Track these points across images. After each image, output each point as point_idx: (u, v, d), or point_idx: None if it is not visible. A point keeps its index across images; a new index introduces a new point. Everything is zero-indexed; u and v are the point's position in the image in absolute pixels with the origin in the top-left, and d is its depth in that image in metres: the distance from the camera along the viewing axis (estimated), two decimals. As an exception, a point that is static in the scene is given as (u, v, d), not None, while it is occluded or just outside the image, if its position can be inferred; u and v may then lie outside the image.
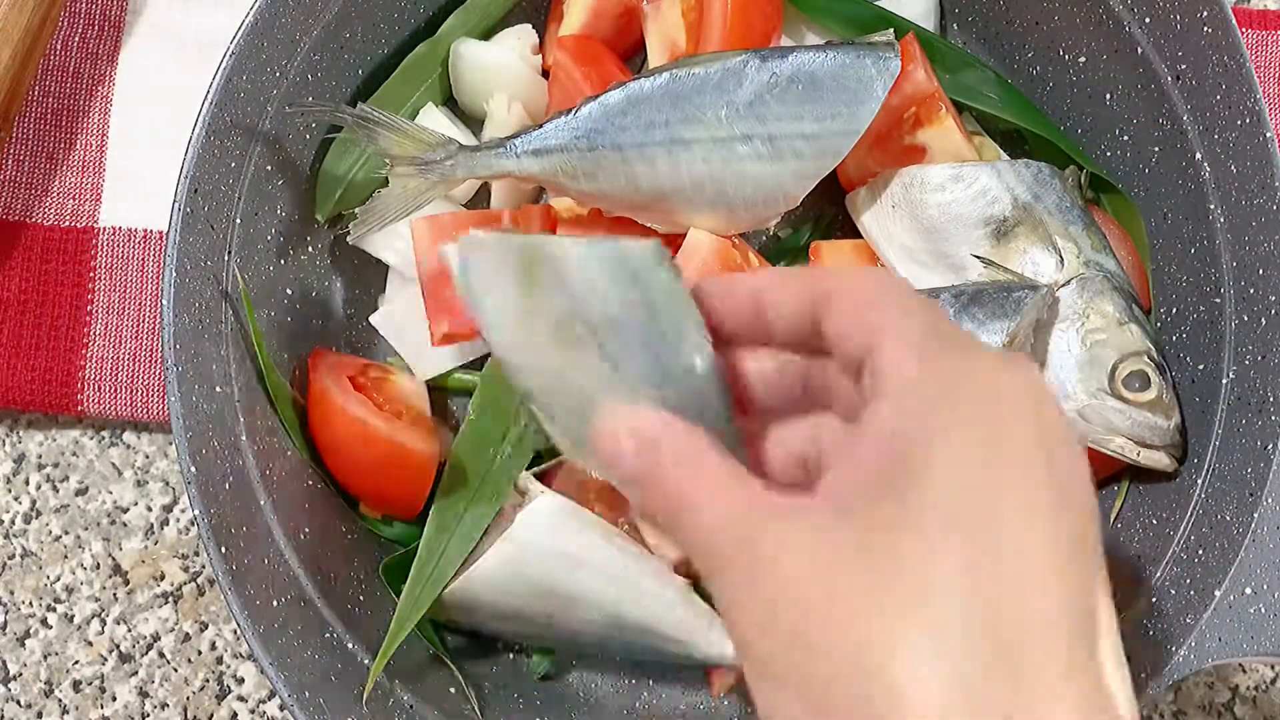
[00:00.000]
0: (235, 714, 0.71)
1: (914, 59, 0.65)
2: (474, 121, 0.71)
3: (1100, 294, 0.63)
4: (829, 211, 0.70)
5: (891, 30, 0.64)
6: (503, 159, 0.61)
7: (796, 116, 0.61)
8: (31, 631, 0.71)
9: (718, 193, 0.62)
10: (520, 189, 0.69)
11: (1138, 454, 0.62)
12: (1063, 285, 0.63)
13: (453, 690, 0.63)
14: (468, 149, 0.61)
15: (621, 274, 0.54)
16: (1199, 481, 0.61)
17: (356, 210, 0.62)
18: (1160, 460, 0.62)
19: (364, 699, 0.58)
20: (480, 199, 0.71)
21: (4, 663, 0.71)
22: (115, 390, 0.72)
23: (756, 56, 0.61)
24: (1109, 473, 0.66)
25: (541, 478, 0.65)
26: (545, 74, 0.70)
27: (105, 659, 0.71)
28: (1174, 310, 0.65)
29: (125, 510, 0.72)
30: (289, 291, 0.65)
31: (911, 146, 0.66)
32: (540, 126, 0.61)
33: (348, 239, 0.63)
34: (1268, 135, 0.58)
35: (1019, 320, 0.60)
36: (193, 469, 0.56)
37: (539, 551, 0.62)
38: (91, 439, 0.73)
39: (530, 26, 0.71)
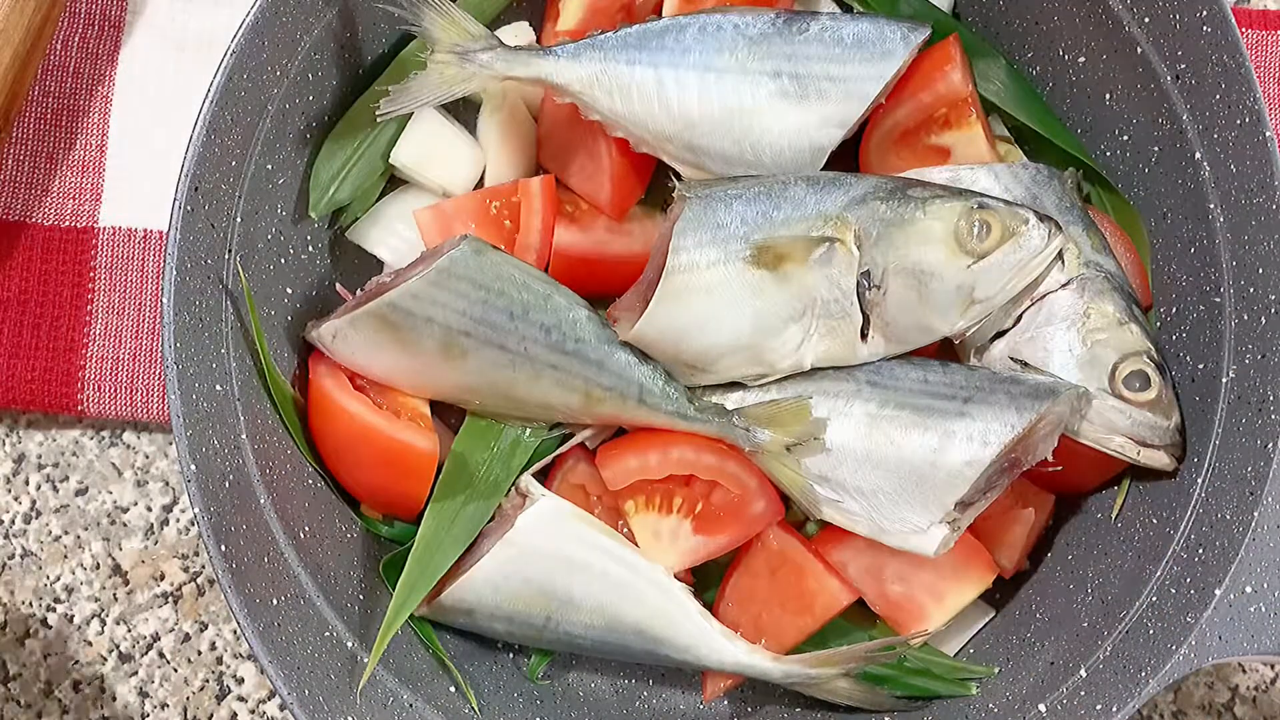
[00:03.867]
0: (235, 714, 0.71)
1: (953, 61, 0.66)
2: (470, 122, 0.71)
3: (1101, 294, 0.63)
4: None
5: (930, 25, 0.65)
6: (541, 60, 0.62)
7: (823, 59, 0.63)
8: (31, 631, 0.71)
9: (744, 130, 0.63)
10: (521, 160, 0.69)
11: (1138, 453, 0.62)
12: (1063, 285, 0.63)
13: (453, 690, 0.63)
14: (509, 46, 0.63)
15: (452, 280, 0.60)
16: (1199, 481, 0.61)
17: (390, 87, 0.62)
18: (1160, 459, 0.62)
19: (359, 689, 0.58)
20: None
21: (4, 663, 0.71)
22: (115, 390, 0.72)
23: (786, 13, 0.64)
24: (1109, 472, 0.66)
25: (542, 477, 0.65)
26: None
27: (105, 659, 0.71)
28: (1174, 310, 0.65)
29: (125, 510, 0.72)
30: (289, 291, 0.65)
31: (937, 147, 0.67)
32: (580, 40, 0.63)
33: (375, 116, 0.63)
34: (1268, 135, 0.58)
35: (1050, 404, 0.60)
36: (193, 468, 0.56)
37: (539, 554, 0.62)
38: (91, 439, 0.73)
39: (528, 24, 0.71)
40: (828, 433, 0.62)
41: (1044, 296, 0.64)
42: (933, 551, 0.62)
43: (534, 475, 0.64)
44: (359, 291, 0.65)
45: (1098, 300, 0.63)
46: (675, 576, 0.63)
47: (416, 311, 0.60)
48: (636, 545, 0.64)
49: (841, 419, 0.62)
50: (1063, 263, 0.64)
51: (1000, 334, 0.64)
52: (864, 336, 0.62)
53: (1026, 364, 0.63)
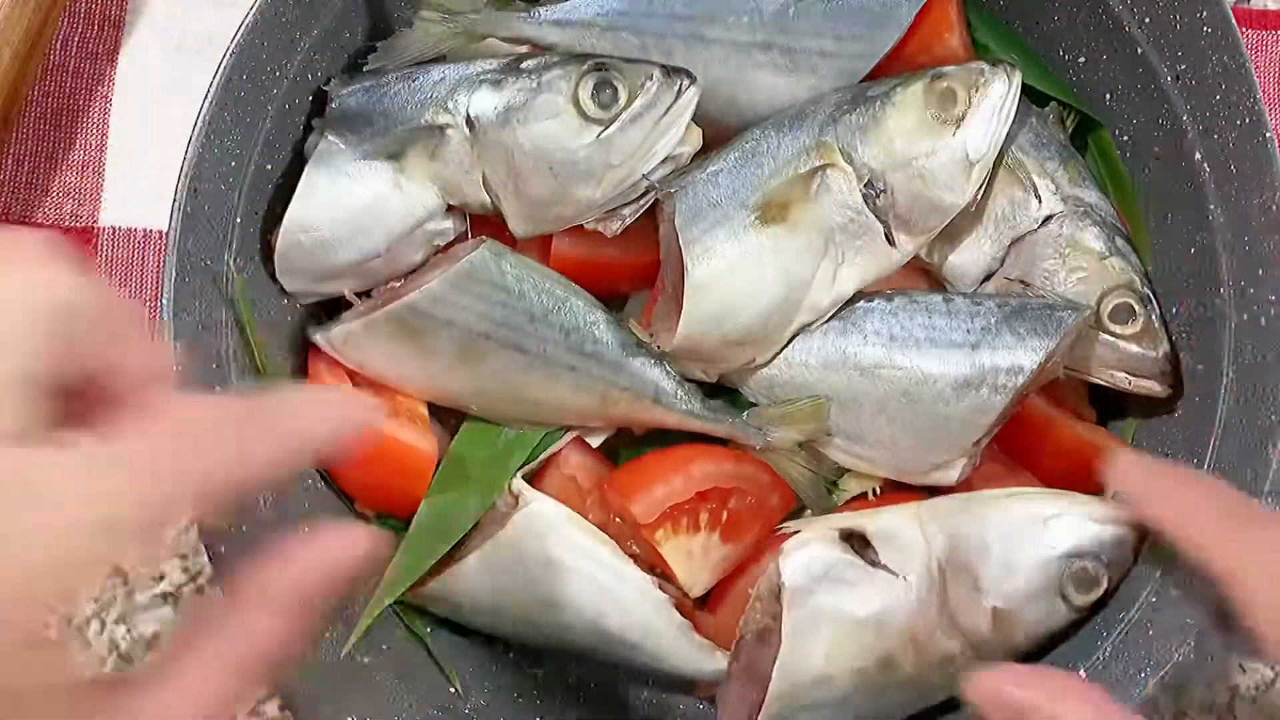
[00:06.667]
0: (235, 714, 0.71)
1: (951, 26, 0.66)
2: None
3: (1080, 229, 0.63)
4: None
5: None
6: (525, 24, 0.63)
7: (818, 32, 0.63)
8: (31, 631, 0.71)
9: (729, 100, 0.63)
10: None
11: (1130, 383, 0.63)
12: (1041, 224, 0.63)
13: (453, 690, 0.63)
14: (495, 7, 0.63)
15: (472, 283, 0.60)
16: (1199, 481, 0.61)
17: (378, 44, 0.64)
18: (1153, 388, 0.63)
19: (342, 653, 0.59)
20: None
21: (4, 663, 0.71)
22: (115, 390, 0.72)
23: None
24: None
25: (535, 477, 0.65)
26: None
27: (105, 659, 0.71)
28: (1174, 310, 0.65)
29: (125, 510, 0.72)
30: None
31: None
32: (566, 3, 0.63)
33: (363, 69, 0.64)
34: (1268, 135, 0.58)
35: (1059, 340, 0.61)
36: (192, 468, 0.56)
37: (528, 554, 0.62)
38: (91, 439, 0.73)
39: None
40: (839, 386, 0.62)
41: (1024, 237, 0.64)
42: (954, 481, 0.63)
43: (529, 472, 0.64)
44: (367, 296, 0.65)
45: (1078, 236, 0.63)
46: (660, 588, 0.63)
47: (437, 314, 0.60)
48: (672, 573, 0.63)
49: (851, 372, 0.62)
50: (1039, 200, 0.64)
51: (988, 276, 0.64)
52: (890, 242, 0.62)
53: (1028, 284, 0.64)
